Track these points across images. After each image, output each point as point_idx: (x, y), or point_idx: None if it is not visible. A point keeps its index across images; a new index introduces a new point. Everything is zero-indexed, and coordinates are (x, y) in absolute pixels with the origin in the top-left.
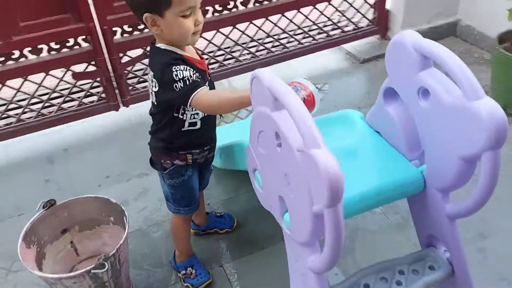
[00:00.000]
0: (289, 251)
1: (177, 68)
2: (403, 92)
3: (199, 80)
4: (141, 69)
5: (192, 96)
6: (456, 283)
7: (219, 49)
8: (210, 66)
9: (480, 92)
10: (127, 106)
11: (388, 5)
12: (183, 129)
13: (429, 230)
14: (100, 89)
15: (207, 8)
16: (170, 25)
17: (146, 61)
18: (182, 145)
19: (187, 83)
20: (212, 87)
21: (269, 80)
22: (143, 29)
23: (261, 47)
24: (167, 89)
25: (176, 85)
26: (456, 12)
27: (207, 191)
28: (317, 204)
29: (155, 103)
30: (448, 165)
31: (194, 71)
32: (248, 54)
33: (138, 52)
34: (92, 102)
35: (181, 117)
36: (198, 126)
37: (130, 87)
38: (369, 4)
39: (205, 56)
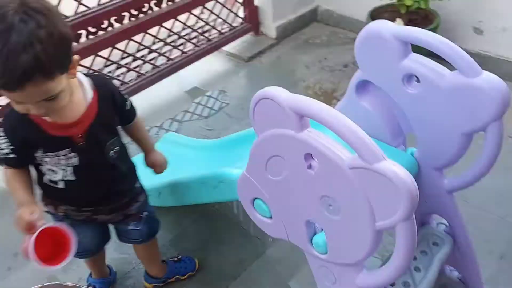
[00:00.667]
0: (321, 275)
1: None
2: (383, 82)
3: (3, 158)
4: None
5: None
6: (460, 250)
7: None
8: None
9: (477, 68)
10: None
11: (256, 1)
12: (43, 182)
13: (424, 208)
14: None
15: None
16: None
17: None
18: (48, 195)
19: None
20: (89, 152)
21: (291, 98)
22: None
23: (145, 64)
24: None
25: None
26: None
27: None
28: (385, 220)
29: None
30: (447, 143)
31: (11, 144)
32: (133, 73)
33: None
34: None
35: (39, 167)
36: (61, 186)
37: None
38: (239, 3)
39: None
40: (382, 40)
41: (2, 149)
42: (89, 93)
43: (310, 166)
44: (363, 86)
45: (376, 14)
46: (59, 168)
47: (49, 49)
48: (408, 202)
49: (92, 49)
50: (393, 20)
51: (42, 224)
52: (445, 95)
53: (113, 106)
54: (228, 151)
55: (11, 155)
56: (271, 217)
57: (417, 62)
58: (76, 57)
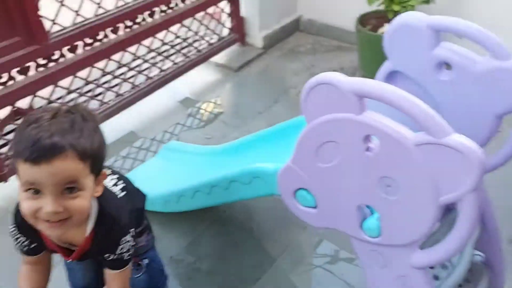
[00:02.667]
0: (370, 261)
1: (11, 227)
2: (414, 71)
3: (20, 249)
4: (12, 131)
5: None
6: (488, 231)
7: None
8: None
9: (508, 52)
10: (6, 181)
11: (242, 13)
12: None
13: None
14: None
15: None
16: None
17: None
18: None
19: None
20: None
21: (350, 80)
22: (6, 81)
23: (140, 75)
24: None
25: None
26: (296, 10)
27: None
28: (451, 193)
29: None
30: (480, 126)
31: (25, 240)
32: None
33: (6, 111)
34: None
35: None
36: None
37: (4, 156)
38: (227, 14)
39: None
40: (414, 30)
41: (19, 242)
42: (89, 228)
43: (368, 149)
44: (391, 77)
45: (364, 20)
46: None
47: (88, 137)
48: (478, 173)
49: (89, 60)
50: (381, 25)
51: None
52: (478, 79)
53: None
54: (241, 154)
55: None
56: (315, 207)
57: (449, 50)
58: (104, 171)
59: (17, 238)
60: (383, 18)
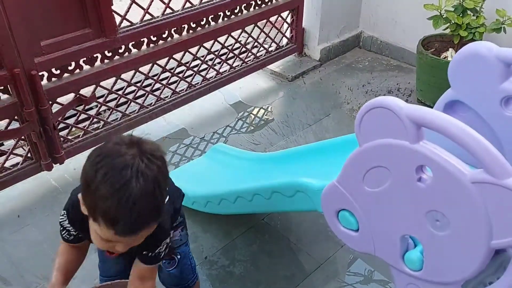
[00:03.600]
0: None
1: (62, 214)
2: (478, 103)
3: (65, 237)
4: (72, 116)
5: None
6: None
7: (155, 82)
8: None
9: None
10: (62, 163)
11: (304, 24)
12: None
13: None
14: (26, 147)
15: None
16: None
17: (79, 108)
18: None
19: (60, 230)
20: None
21: (410, 107)
22: (74, 69)
23: (197, 75)
24: None
25: None
26: (358, 25)
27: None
28: (504, 239)
29: None
30: None
31: (72, 230)
32: (184, 84)
33: (69, 97)
34: (16, 165)
35: None
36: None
37: (63, 139)
38: (288, 23)
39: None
40: (483, 60)
41: (66, 229)
42: None
43: (420, 179)
44: (451, 106)
45: (427, 43)
46: None
47: (164, 194)
48: None
49: (151, 57)
50: (444, 50)
51: None
52: None
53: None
54: (287, 164)
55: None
56: (357, 230)
57: None
58: None
59: (65, 228)
60: (448, 42)
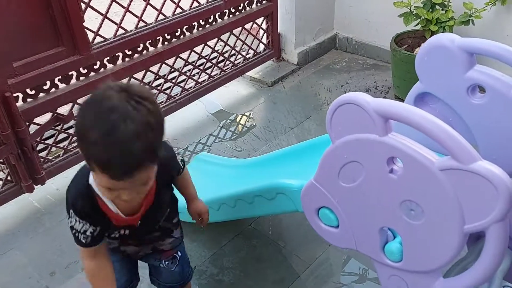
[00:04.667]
0: (391, 285)
1: (69, 216)
2: (446, 94)
3: (83, 241)
4: (50, 137)
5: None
6: None
7: None
8: None
9: None
10: (44, 184)
11: (279, 29)
12: None
13: None
14: (6, 170)
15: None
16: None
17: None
18: None
19: (75, 236)
20: (142, 227)
21: (376, 101)
22: (49, 89)
23: (176, 87)
24: None
25: None
26: (332, 27)
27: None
28: (477, 222)
29: None
30: None
31: (87, 225)
32: (163, 96)
33: (47, 117)
34: None
35: None
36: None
37: (43, 159)
38: (263, 30)
39: None
40: (446, 52)
41: (81, 231)
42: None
43: (392, 171)
44: (421, 98)
45: (399, 40)
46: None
47: (157, 134)
48: (506, 202)
49: (127, 71)
50: (417, 45)
51: None
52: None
53: (170, 182)
54: (270, 168)
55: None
56: (337, 226)
57: (482, 73)
58: None
59: (78, 231)
60: (420, 38)
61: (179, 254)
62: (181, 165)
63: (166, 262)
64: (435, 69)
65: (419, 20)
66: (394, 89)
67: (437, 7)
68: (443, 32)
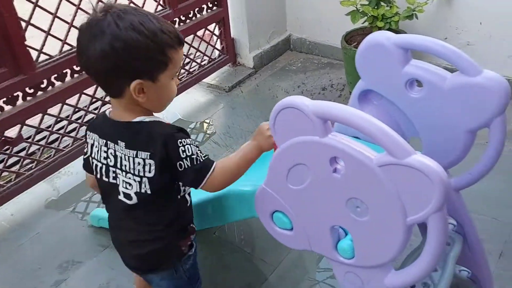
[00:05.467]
0: (346, 282)
1: (183, 142)
2: (386, 89)
3: (207, 155)
4: (1, 161)
5: (205, 179)
6: (471, 247)
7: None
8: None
9: (477, 67)
10: None
11: (232, 34)
12: (187, 205)
13: None
14: None
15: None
16: (162, 89)
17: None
18: (190, 217)
19: (196, 162)
20: None
21: (314, 103)
22: None
23: None
24: (170, 169)
25: (181, 164)
26: (286, 29)
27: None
28: (417, 214)
29: (149, 192)
30: (453, 142)
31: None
32: None
33: None
34: None
35: (186, 197)
36: (188, 199)
37: None
38: (216, 35)
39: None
40: (383, 49)
41: (199, 152)
42: None
43: (335, 170)
44: (364, 95)
45: (349, 37)
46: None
47: (128, 52)
48: (441, 193)
49: (78, 87)
50: None
51: None
52: (448, 95)
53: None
54: None
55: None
56: (291, 229)
57: (418, 67)
58: None
59: (194, 147)
60: (368, 34)
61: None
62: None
63: None
64: (374, 67)
65: (366, 17)
66: (348, 86)
67: (382, 3)
68: (389, 28)
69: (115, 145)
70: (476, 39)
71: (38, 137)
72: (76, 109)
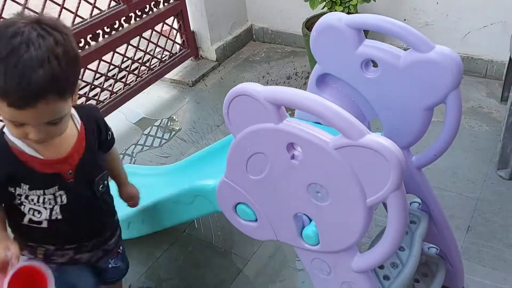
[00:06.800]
0: (314, 269)
1: None
2: (342, 72)
3: None
4: None
5: None
6: (437, 224)
7: None
8: None
9: (429, 43)
10: None
11: (192, 27)
12: (21, 223)
13: None
14: None
15: None
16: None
17: None
18: (27, 237)
19: None
20: (78, 188)
21: (266, 89)
22: None
23: (90, 100)
24: None
25: None
26: (247, 19)
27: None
28: (376, 194)
29: None
30: (411, 120)
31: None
32: None
33: None
34: None
35: (19, 207)
36: (45, 225)
37: None
38: (175, 29)
39: None
40: (335, 31)
41: None
42: (78, 125)
43: (293, 157)
44: (322, 79)
45: (310, 24)
46: (44, 208)
47: (65, 67)
48: (398, 171)
49: None
50: None
51: (17, 262)
52: (403, 73)
53: (97, 137)
54: (191, 171)
55: None
56: (256, 220)
57: (372, 47)
58: (79, 82)
59: None
60: None
61: (121, 248)
62: (110, 133)
63: (113, 259)
64: (328, 49)
65: (324, 2)
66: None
67: None
68: (348, 12)
69: None
70: (434, 19)
71: None
72: None
